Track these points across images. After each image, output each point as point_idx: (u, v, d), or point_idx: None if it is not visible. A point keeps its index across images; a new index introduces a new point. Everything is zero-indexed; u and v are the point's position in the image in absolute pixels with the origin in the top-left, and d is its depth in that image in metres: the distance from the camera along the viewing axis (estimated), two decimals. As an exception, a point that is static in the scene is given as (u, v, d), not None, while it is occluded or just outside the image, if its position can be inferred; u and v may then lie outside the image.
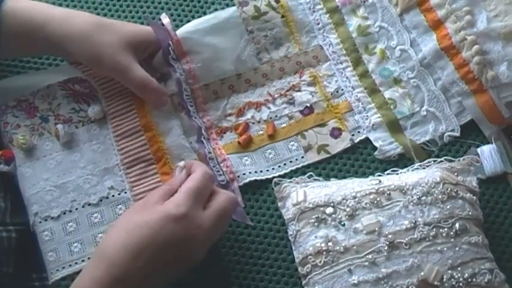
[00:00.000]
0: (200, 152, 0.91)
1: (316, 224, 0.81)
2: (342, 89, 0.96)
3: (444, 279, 0.77)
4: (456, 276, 0.77)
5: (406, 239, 0.78)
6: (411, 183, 0.82)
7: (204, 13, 0.98)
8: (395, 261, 0.78)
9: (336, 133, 0.93)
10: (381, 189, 0.82)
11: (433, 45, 0.94)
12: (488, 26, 0.91)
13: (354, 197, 0.82)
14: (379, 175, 0.88)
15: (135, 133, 0.90)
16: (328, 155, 0.92)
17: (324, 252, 0.79)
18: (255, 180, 0.90)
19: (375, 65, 0.96)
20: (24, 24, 0.85)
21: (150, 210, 0.77)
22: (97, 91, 0.92)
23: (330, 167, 0.91)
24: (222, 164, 0.89)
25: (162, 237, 0.75)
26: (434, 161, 0.87)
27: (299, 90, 0.96)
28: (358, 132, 0.94)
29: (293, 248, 0.83)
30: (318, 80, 0.96)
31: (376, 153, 0.91)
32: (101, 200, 0.88)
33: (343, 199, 0.82)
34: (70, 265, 0.85)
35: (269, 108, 0.95)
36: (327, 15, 0.99)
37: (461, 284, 0.77)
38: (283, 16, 0.98)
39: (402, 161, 0.91)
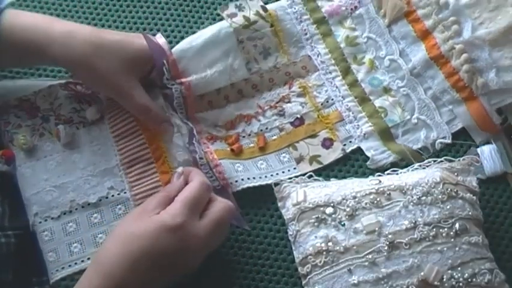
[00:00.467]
0: (192, 155, 0.89)
1: (316, 224, 0.81)
2: (332, 99, 0.95)
3: (444, 279, 0.77)
4: (456, 276, 0.77)
5: (406, 239, 0.78)
6: (411, 183, 0.82)
7: (198, 28, 0.97)
8: (395, 261, 0.78)
9: (327, 143, 0.93)
10: (381, 189, 0.82)
11: (422, 55, 0.94)
12: (474, 34, 0.91)
13: (354, 197, 0.82)
14: (379, 175, 0.88)
15: (134, 133, 0.90)
16: (320, 166, 0.91)
17: (324, 252, 0.79)
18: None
19: (364, 75, 0.96)
20: (22, 42, 0.84)
21: (146, 220, 0.77)
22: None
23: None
24: (214, 170, 0.88)
25: (158, 247, 0.75)
26: (434, 161, 0.87)
27: (289, 102, 0.95)
28: (350, 141, 0.93)
29: (293, 248, 0.83)
30: (308, 91, 0.96)
31: (368, 163, 0.91)
32: (101, 200, 0.88)
33: (343, 199, 0.82)
34: (70, 265, 0.86)
35: (259, 120, 0.94)
36: (314, 26, 0.98)
37: (461, 284, 0.77)
38: (272, 25, 0.97)
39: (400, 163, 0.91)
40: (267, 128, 0.94)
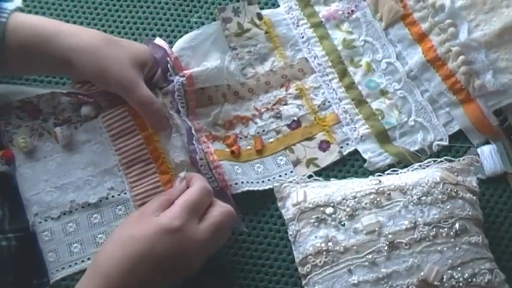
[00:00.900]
0: (192, 156, 0.89)
1: (316, 224, 0.81)
2: (329, 101, 0.95)
3: (444, 279, 0.77)
4: (456, 276, 0.77)
5: (406, 239, 0.78)
6: (411, 183, 0.82)
7: (198, 28, 0.97)
8: (395, 261, 0.78)
9: (324, 146, 0.93)
10: (381, 189, 0.82)
11: (419, 57, 0.94)
12: (470, 37, 0.91)
13: (354, 197, 0.82)
14: (379, 175, 0.88)
15: (131, 132, 0.90)
16: (317, 169, 0.91)
17: (324, 252, 0.79)
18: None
19: (360, 77, 0.96)
20: (31, 37, 0.84)
21: (145, 222, 0.77)
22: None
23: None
24: (214, 171, 0.87)
25: (157, 250, 0.75)
26: (434, 161, 0.87)
27: (286, 104, 0.95)
28: (347, 144, 0.93)
29: (293, 248, 0.83)
30: (305, 93, 0.96)
31: (365, 165, 0.91)
32: (101, 201, 0.88)
33: (343, 199, 0.82)
34: (70, 265, 0.85)
35: (256, 123, 0.94)
36: (311, 30, 0.99)
37: (461, 284, 0.77)
38: (266, 32, 0.98)
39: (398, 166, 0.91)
40: (263, 131, 0.94)
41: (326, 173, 0.91)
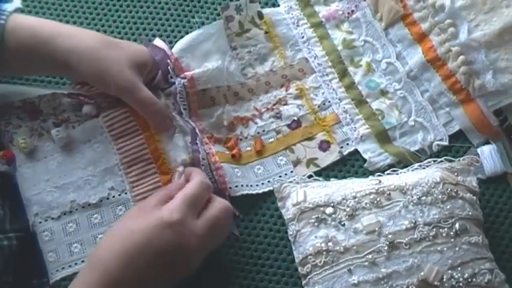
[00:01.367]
0: (194, 155, 0.88)
1: (316, 224, 0.81)
2: (329, 101, 0.95)
3: (444, 279, 0.77)
4: (456, 276, 0.77)
5: (406, 239, 0.78)
6: (411, 183, 0.82)
7: (198, 28, 0.96)
8: (395, 261, 0.78)
9: (324, 146, 0.93)
10: (381, 189, 0.82)
11: (419, 57, 0.94)
12: (470, 37, 0.91)
13: (354, 197, 0.82)
14: (379, 175, 0.88)
15: (133, 132, 0.90)
16: (317, 169, 0.91)
17: (324, 252, 0.79)
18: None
19: (360, 77, 0.96)
20: (30, 38, 0.84)
21: (145, 216, 0.77)
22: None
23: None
24: (215, 172, 0.87)
25: (156, 243, 0.75)
26: (434, 161, 0.87)
27: (286, 104, 0.95)
28: (347, 144, 0.93)
29: (293, 248, 0.83)
30: (305, 93, 0.96)
31: (365, 165, 0.91)
32: (101, 201, 0.88)
33: (343, 199, 0.82)
34: (70, 266, 0.85)
35: (256, 123, 0.94)
36: (311, 30, 0.98)
37: (461, 284, 0.77)
38: (266, 32, 0.98)
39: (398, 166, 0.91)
40: (264, 131, 0.94)
41: (326, 173, 0.91)
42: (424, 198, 0.81)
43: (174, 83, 0.90)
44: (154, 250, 0.75)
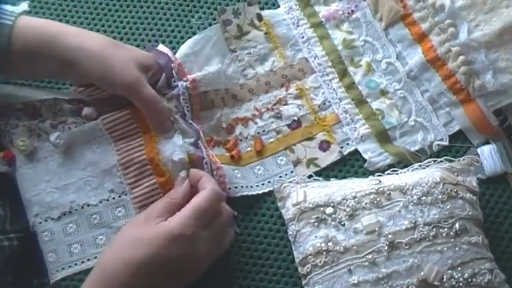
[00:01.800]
0: (195, 154, 0.88)
1: (316, 224, 0.81)
2: (329, 101, 0.95)
3: (444, 279, 0.77)
4: (456, 276, 0.77)
5: (406, 239, 0.79)
6: (411, 183, 0.82)
7: (198, 29, 0.97)
8: (395, 261, 0.78)
9: (324, 146, 0.93)
10: (381, 189, 0.82)
11: (419, 57, 0.94)
12: (470, 37, 0.91)
13: (354, 197, 0.82)
14: (379, 175, 0.88)
15: (132, 135, 0.89)
16: (317, 169, 0.91)
17: (324, 252, 0.79)
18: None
19: (360, 77, 0.96)
20: (35, 39, 0.84)
21: (154, 226, 0.77)
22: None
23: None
24: (215, 172, 0.87)
25: (165, 254, 0.75)
26: (434, 161, 0.87)
27: (286, 104, 0.95)
28: (347, 144, 0.93)
29: (293, 248, 0.83)
30: (305, 93, 0.95)
31: (365, 165, 0.91)
32: (101, 202, 0.88)
33: (343, 199, 0.82)
34: (70, 266, 0.86)
35: (256, 123, 0.94)
36: (311, 30, 0.98)
37: (461, 284, 0.77)
38: (266, 33, 0.98)
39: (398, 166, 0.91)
40: (264, 131, 0.94)
41: (326, 173, 0.91)
42: (424, 198, 0.81)
43: (176, 88, 0.90)
44: (162, 261, 0.76)
